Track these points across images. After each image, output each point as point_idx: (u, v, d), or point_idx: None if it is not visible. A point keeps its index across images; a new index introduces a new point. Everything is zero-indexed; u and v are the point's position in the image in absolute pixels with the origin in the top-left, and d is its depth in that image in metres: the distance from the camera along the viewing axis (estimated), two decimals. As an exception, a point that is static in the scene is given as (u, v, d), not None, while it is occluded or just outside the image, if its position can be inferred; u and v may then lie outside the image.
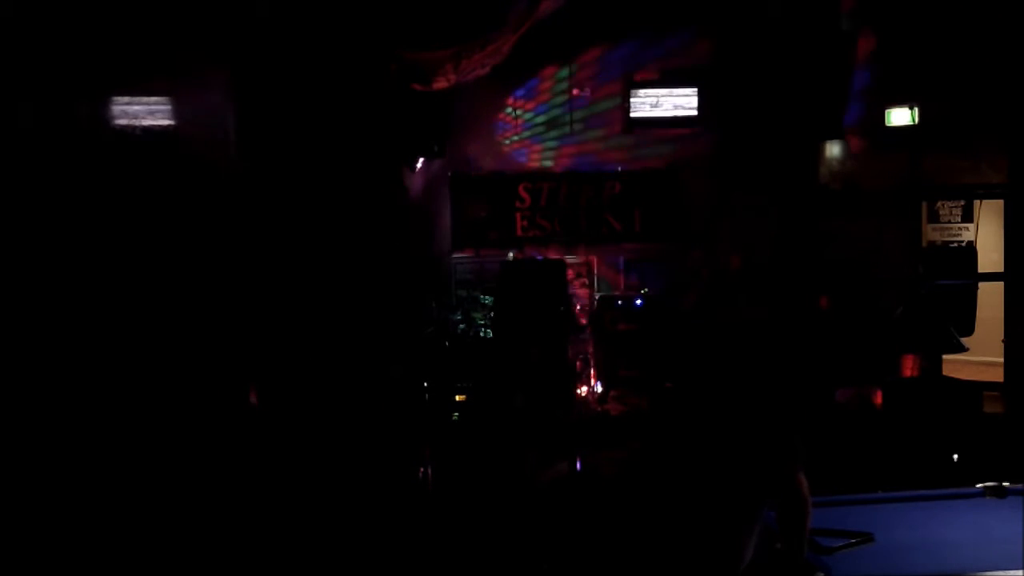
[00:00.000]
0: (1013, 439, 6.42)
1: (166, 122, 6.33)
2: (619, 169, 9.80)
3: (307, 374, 6.70)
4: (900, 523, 3.48)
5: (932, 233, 9.51)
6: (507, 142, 9.76)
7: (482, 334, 8.83)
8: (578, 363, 8.88)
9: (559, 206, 9.79)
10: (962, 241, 9.36)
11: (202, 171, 6.05)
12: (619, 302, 9.28)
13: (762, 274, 8.23)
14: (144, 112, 6.13)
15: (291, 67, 6.56)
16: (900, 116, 8.39)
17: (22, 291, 4.24)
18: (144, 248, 5.22)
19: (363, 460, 6.46)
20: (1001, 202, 8.22)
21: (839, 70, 8.63)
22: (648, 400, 8.28)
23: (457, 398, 8.16)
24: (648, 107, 9.52)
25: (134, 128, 5.93)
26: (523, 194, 9.77)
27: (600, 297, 9.53)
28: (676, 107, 9.51)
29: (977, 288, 8.34)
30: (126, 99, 5.92)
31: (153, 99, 6.28)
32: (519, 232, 9.76)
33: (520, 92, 9.71)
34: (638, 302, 9.21)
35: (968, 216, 9.39)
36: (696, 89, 9.43)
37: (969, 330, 7.83)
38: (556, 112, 9.77)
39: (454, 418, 8.06)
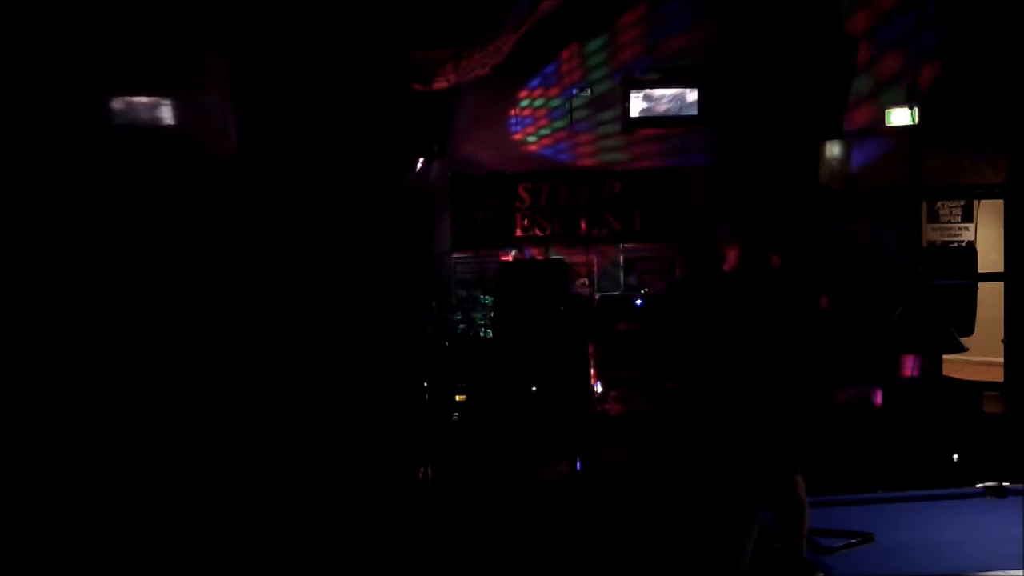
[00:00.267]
0: (1013, 439, 6.42)
1: (166, 121, 6.33)
2: (619, 169, 9.80)
3: (307, 373, 6.70)
4: (900, 523, 3.48)
5: (932, 233, 9.51)
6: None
7: (482, 334, 8.82)
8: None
9: (559, 206, 9.80)
10: (962, 241, 9.36)
11: (202, 170, 6.04)
12: (619, 302, 9.28)
13: (761, 274, 8.23)
14: (145, 111, 6.13)
15: (291, 67, 6.56)
16: (900, 116, 8.39)
17: (27, 282, 4.24)
18: (143, 246, 5.21)
19: (363, 460, 6.46)
20: (1001, 202, 8.22)
21: (839, 70, 8.63)
22: (648, 400, 8.28)
23: (457, 398, 8.16)
24: (648, 107, 9.52)
25: (134, 127, 5.93)
26: (523, 194, 9.77)
27: (600, 297, 9.53)
28: (676, 107, 9.51)
29: (977, 288, 8.34)
30: (127, 98, 5.92)
31: (154, 98, 6.28)
32: (519, 232, 9.76)
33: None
34: (638, 302, 9.21)
35: (968, 216, 9.39)
36: (696, 89, 9.43)
37: (969, 330, 7.84)
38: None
39: (454, 418, 8.06)
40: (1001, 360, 7.81)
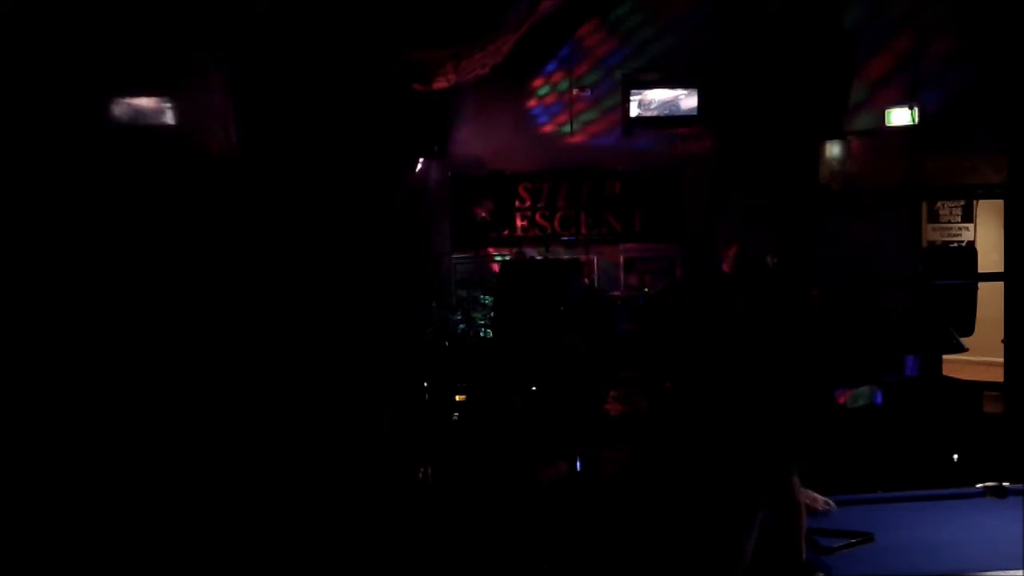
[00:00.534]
0: (1013, 439, 6.42)
1: (167, 121, 6.33)
2: (619, 169, 9.80)
3: (307, 373, 6.70)
4: (900, 523, 3.47)
5: (932, 233, 9.51)
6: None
7: (482, 334, 8.82)
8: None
9: (559, 206, 9.80)
10: (962, 241, 9.37)
11: (202, 170, 6.05)
12: (619, 302, 9.27)
13: (757, 274, 8.23)
14: (145, 111, 6.13)
15: (292, 67, 6.56)
16: (900, 116, 8.39)
17: (26, 280, 4.24)
18: (142, 246, 5.22)
19: (363, 460, 6.46)
20: (1001, 202, 8.22)
21: (840, 70, 8.63)
22: (648, 400, 8.28)
23: (457, 398, 8.16)
24: (648, 107, 9.52)
25: (134, 127, 5.93)
26: (523, 194, 9.77)
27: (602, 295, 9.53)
28: (676, 107, 9.51)
29: (977, 288, 8.33)
30: (127, 98, 5.92)
31: (154, 98, 6.28)
32: (519, 232, 9.77)
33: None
34: (638, 302, 9.21)
35: (968, 216, 9.40)
36: (696, 89, 9.43)
37: (969, 330, 7.83)
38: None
39: (454, 418, 8.06)
40: (1001, 360, 7.81)
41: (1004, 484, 3.77)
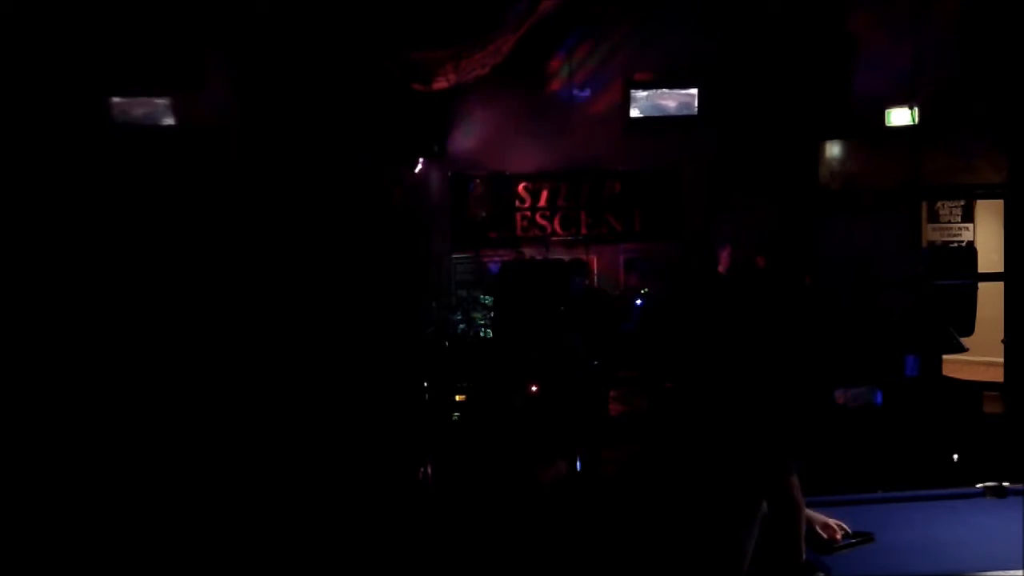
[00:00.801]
0: (1013, 439, 6.42)
1: (169, 120, 6.32)
2: (619, 169, 9.80)
3: (307, 373, 6.70)
4: (900, 523, 3.47)
5: (932, 233, 9.51)
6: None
7: (482, 334, 8.82)
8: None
9: (559, 206, 9.79)
10: (962, 241, 9.36)
11: (202, 169, 6.05)
12: (619, 302, 9.26)
13: (749, 275, 8.22)
14: (148, 111, 6.12)
15: (292, 68, 6.57)
16: (900, 116, 8.39)
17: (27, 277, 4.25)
18: (142, 245, 5.22)
19: (363, 459, 6.46)
20: (1001, 202, 8.21)
21: (840, 69, 8.62)
22: (648, 400, 8.27)
23: (457, 398, 8.15)
24: (648, 107, 9.51)
25: (136, 127, 5.92)
26: (523, 194, 9.77)
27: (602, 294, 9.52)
28: (676, 107, 9.51)
29: (977, 288, 8.33)
30: (129, 99, 5.91)
31: (156, 98, 6.28)
32: (519, 232, 9.76)
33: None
34: (638, 302, 9.20)
35: (968, 216, 9.39)
36: (696, 89, 9.43)
37: (969, 330, 7.83)
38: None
39: (454, 418, 8.06)
40: (1001, 360, 7.80)
41: (1004, 484, 3.77)
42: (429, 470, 6.81)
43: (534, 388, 8.08)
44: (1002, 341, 7.67)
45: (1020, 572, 2.95)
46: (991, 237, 8.77)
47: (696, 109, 9.44)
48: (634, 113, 9.49)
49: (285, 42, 6.39)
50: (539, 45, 8.93)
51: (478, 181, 9.73)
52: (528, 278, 8.86)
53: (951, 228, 9.46)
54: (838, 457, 5.23)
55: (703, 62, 9.37)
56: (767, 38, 8.79)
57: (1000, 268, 7.92)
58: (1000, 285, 7.85)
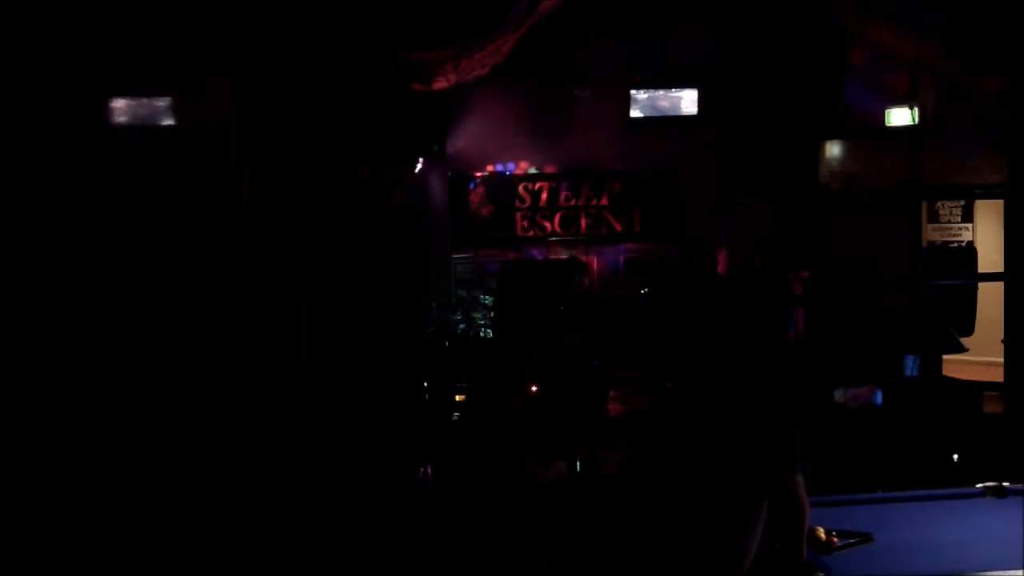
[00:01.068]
0: (1013, 439, 6.42)
1: (169, 119, 6.32)
2: (619, 169, 9.80)
3: (307, 373, 6.70)
4: (900, 523, 3.48)
5: (932, 233, 9.50)
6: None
7: (482, 334, 8.82)
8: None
9: (559, 206, 9.80)
10: (962, 241, 9.36)
11: (203, 170, 6.05)
12: (619, 302, 9.27)
13: (745, 276, 8.20)
14: (148, 112, 6.12)
15: (292, 67, 6.57)
16: (900, 116, 8.38)
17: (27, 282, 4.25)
18: (143, 246, 5.22)
19: (363, 459, 6.46)
20: (1001, 202, 8.21)
21: (839, 69, 8.62)
22: (648, 400, 8.27)
23: (457, 398, 8.15)
24: (648, 107, 9.51)
25: (138, 128, 5.91)
26: (523, 194, 9.77)
27: (600, 297, 9.52)
28: (676, 107, 9.50)
29: (977, 288, 8.33)
30: (132, 100, 5.91)
31: (158, 98, 6.27)
32: (519, 232, 9.76)
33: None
34: (638, 302, 9.19)
35: (968, 216, 9.39)
36: (696, 89, 9.42)
37: (969, 330, 7.83)
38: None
39: (454, 418, 8.06)
40: (1001, 360, 7.80)
41: (1004, 484, 3.77)
42: (429, 470, 6.81)
43: (534, 388, 8.09)
44: (1002, 341, 7.67)
45: (1020, 572, 2.96)
46: (991, 237, 8.77)
47: (696, 109, 9.44)
48: (634, 113, 9.49)
49: (285, 42, 6.39)
50: (539, 45, 8.92)
51: (478, 181, 9.73)
52: (528, 278, 8.86)
53: (951, 228, 9.46)
54: (838, 457, 5.24)
55: (703, 62, 9.36)
56: (767, 38, 8.79)
57: (1000, 268, 7.92)
58: (1000, 285, 7.85)
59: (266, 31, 6.26)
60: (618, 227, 9.83)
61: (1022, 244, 7.35)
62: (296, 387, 6.51)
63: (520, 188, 9.76)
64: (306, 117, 6.77)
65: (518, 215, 9.77)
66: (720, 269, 8.36)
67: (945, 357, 7.81)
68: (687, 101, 9.47)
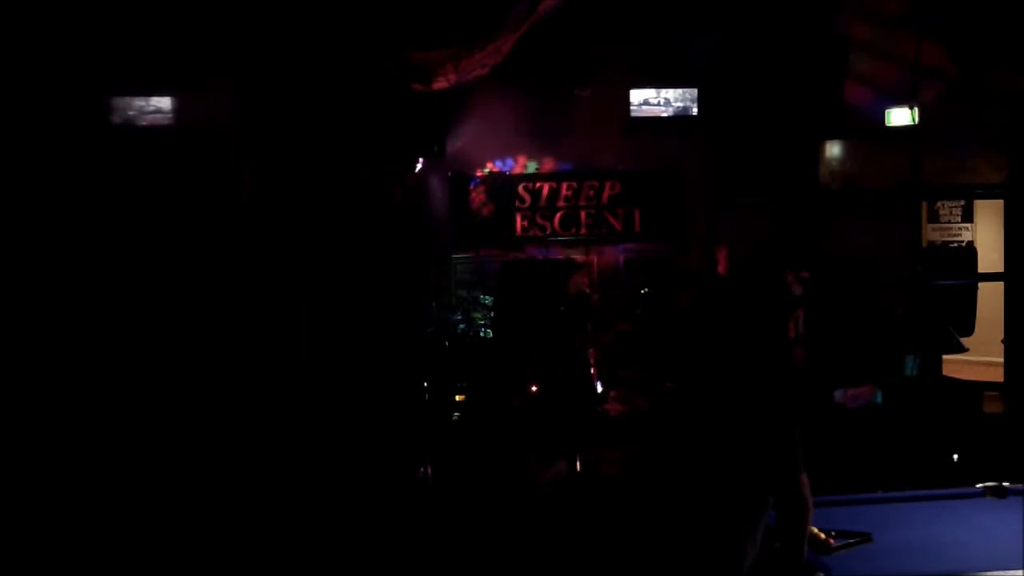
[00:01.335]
0: (1013, 439, 6.42)
1: (170, 119, 6.32)
2: (619, 169, 9.80)
3: (307, 373, 6.69)
4: (900, 523, 3.47)
5: (932, 233, 9.51)
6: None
7: (482, 334, 8.82)
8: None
9: (559, 206, 9.80)
10: (962, 241, 9.36)
11: (203, 170, 6.05)
12: (619, 302, 9.27)
13: (743, 275, 8.20)
14: (148, 112, 6.12)
15: (292, 67, 6.56)
16: (900, 116, 8.38)
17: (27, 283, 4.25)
18: (143, 245, 5.22)
19: (363, 459, 6.45)
20: (1001, 202, 8.21)
21: (839, 69, 8.62)
22: (648, 400, 8.27)
23: (457, 398, 8.15)
24: (648, 107, 9.51)
25: (137, 127, 5.92)
26: (523, 194, 9.77)
27: (600, 297, 9.52)
28: (676, 107, 9.51)
29: (977, 288, 8.33)
30: (131, 100, 5.91)
31: (159, 97, 6.27)
32: (519, 232, 9.76)
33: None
34: (638, 302, 9.20)
35: (968, 216, 9.39)
36: (696, 89, 9.43)
37: (969, 330, 7.83)
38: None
39: (454, 418, 8.06)
40: (1001, 360, 7.80)
41: (1004, 484, 3.77)
42: (429, 470, 6.81)
43: (534, 388, 8.09)
44: (1002, 341, 7.67)
45: (1020, 572, 2.95)
46: (991, 237, 8.77)
47: (696, 109, 9.44)
48: (634, 113, 9.49)
49: (285, 42, 6.39)
50: (539, 45, 8.92)
51: (478, 181, 9.73)
52: (528, 278, 8.86)
53: (951, 228, 9.46)
54: (838, 457, 5.24)
55: (703, 62, 9.36)
56: (767, 38, 8.79)
57: (1000, 268, 7.92)
58: (1000, 285, 7.85)
59: (266, 31, 6.26)
60: (618, 227, 9.83)
61: (1022, 244, 7.35)
62: (296, 387, 6.51)
63: (520, 188, 9.76)
64: (306, 117, 6.77)
65: (518, 215, 9.77)
66: (720, 269, 8.40)
67: (945, 357, 7.81)
68: (687, 101, 9.48)
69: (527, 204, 9.77)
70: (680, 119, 9.49)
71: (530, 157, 9.78)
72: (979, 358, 7.80)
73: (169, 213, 5.81)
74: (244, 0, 6.12)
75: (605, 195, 9.81)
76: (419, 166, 9.16)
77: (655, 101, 9.53)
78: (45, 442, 4.36)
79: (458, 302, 9.22)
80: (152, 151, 6.21)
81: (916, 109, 8.23)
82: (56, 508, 4.29)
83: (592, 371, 8.74)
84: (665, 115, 9.51)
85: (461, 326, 8.78)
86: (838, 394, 7.14)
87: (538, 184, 9.77)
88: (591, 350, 8.82)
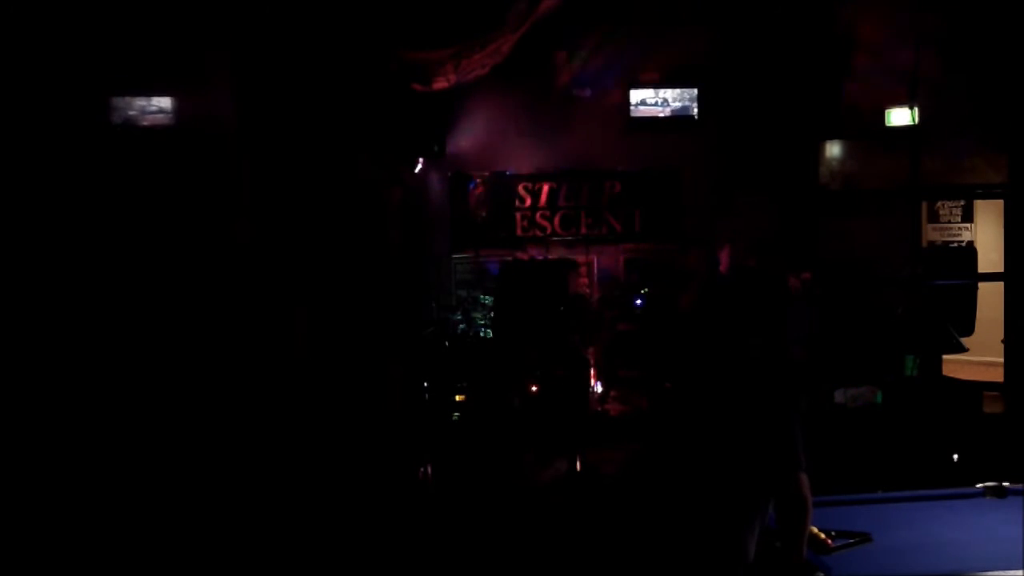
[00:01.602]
0: (1013, 439, 6.41)
1: (170, 119, 6.32)
2: (619, 169, 9.80)
3: (307, 373, 6.70)
4: (900, 523, 3.47)
5: (932, 233, 9.51)
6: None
7: (482, 334, 8.82)
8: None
9: (559, 206, 9.80)
10: (962, 241, 9.36)
11: (203, 170, 6.05)
12: (619, 302, 9.27)
13: (742, 274, 8.21)
14: (148, 112, 6.12)
15: (292, 68, 6.56)
16: (900, 116, 8.38)
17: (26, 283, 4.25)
18: (142, 245, 5.22)
19: (363, 459, 6.46)
20: (1001, 202, 8.21)
21: (839, 70, 8.62)
22: (648, 400, 8.28)
23: (457, 398, 8.15)
24: (648, 107, 9.52)
25: (137, 127, 5.92)
26: (523, 194, 9.77)
27: (600, 297, 9.53)
28: (676, 107, 9.51)
29: (977, 288, 8.34)
30: (130, 99, 5.91)
31: (159, 97, 6.27)
32: (519, 232, 9.76)
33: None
34: (638, 302, 9.20)
35: (968, 216, 9.39)
36: (696, 89, 9.43)
37: (969, 330, 7.83)
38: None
39: (454, 418, 8.06)
40: (1001, 360, 7.80)
41: (1004, 484, 3.77)
42: (429, 470, 6.81)
43: (534, 388, 8.09)
44: (1002, 341, 7.67)
45: (1020, 572, 2.95)
46: (991, 237, 8.77)
47: (696, 109, 9.45)
48: (634, 113, 9.50)
49: (286, 42, 6.39)
50: (539, 45, 8.92)
51: (478, 181, 9.73)
52: (528, 278, 8.86)
53: (951, 228, 9.46)
54: (838, 457, 5.24)
55: (703, 62, 9.36)
56: (766, 38, 8.79)
57: (1000, 268, 7.92)
58: (1000, 285, 7.85)
59: (267, 31, 6.26)
60: (618, 227, 9.83)
61: (1022, 244, 7.35)
62: (295, 387, 6.51)
63: (520, 188, 9.77)
64: (306, 117, 6.77)
65: (518, 215, 9.77)
66: (722, 267, 8.41)
67: (945, 357, 7.81)
68: (687, 101, 9.48)
69: (527, 204, 9.77)
70: (680, 119, 9.50)
71: (530, 157, 9.77)
72: (979, 358, 7.80)
73: (168, 212, 5.81)
74: (245, 0, 6.12)
75: (605, 195, 9.81)
76: (419, 166, 9.16)
77: (654, 101, 9.53)
78: (43, 440, 4.36)
79: (458, 302, 9.22)
80: (151, 151, 6.21)
81: (916, 109, 8.23)
82: (55, 506, 4.29)
83: (592, 371, 8.75)
84: (665, 115, 9.51)
85: (461, 326, 8.79)
86: (838, 394, 7.14)
87: (538, 184, 9.77)
88: (591, 350, 8.83)
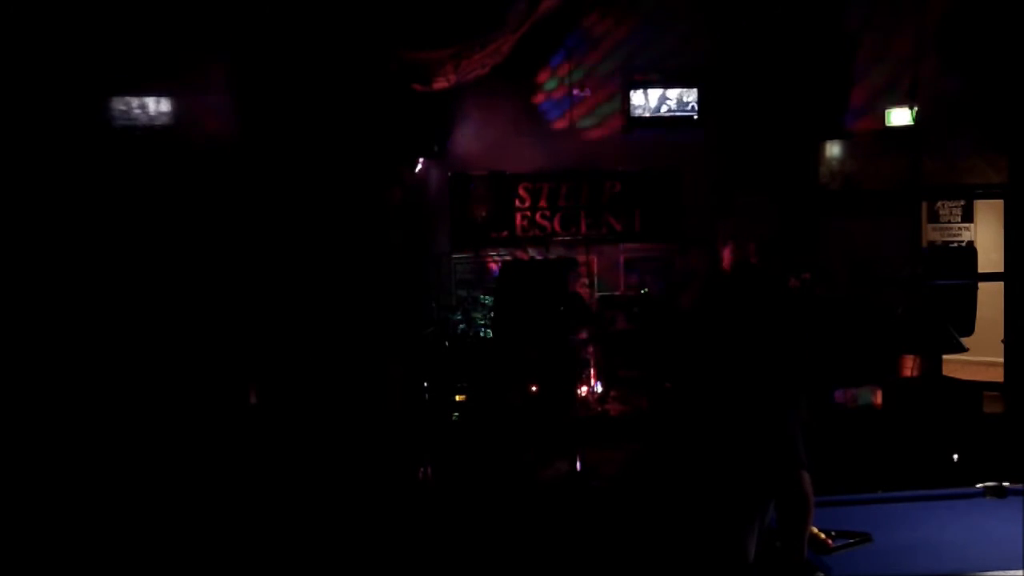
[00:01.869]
0: (1013, 439, 6.42)
1: (169, 120, 6.32)
2: (619, 169, 9.80)
3: (307, 373, 6.70)
4: (900, 523, 3.47)
5: (932, 233, 9.51)
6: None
7: (482, 334, 8.82)
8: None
9: (559, 206, 9.80)
10: (962, 241, 9.36)
11: (202, 169, 6.05)
12: (619, 302, 9.28)
13: (743, 274, 8.22)
14: (147, 112, 6.12)
15: (292, 68, 6.56)
16: (900, 116, 8.39)
17: (27, 284, 4.25)
18: (141, 245, 5.21)
19: (363, 460, 6.46)
20: (1001, 202, 8.22)
21: (840, 69, 8.63)
22: (648, 400, 8.28)
23: (457, 398, 8.16)
24: (648, 107, 9.52)
25: (135, 126, 5.92)
26: (523, 194, 9.77)
27: (600, 297, 9.53)
28: (676, 107, 9.51)
29: (977, 288, 8.34)
30: (130, 97, 5.91)
31: (159, 97, 6.27)
32: (519, 232, 9.76)
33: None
34: (638, 302, 9.20)
35: (968, 216, 9.39)
36: (696, 89, 9.43)
37: (969, 330, 7.83)
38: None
39: (454, 418, 8.06)
40: (1001, 360, 7.81)
41: (1004, 484, 3.77)
42: (429, 470, 6.81)
43: (534, 388, 8.10)
44: (1002, 341, 7.68)
45: (1020, 572, 2.95)
46: (991, 237, 8.77)
47: (696, 109, 9.45)
48: (634, 113, 9.50)
49: (285, 42, 6.39)
50: (539, 45, 8.92)
51: (478, 181, 9.73)
52: (528, 278, 8.86)
53: (951, 228, 9.46)
54: (838, 457, 5.24)
55: (703, 62, 9.37)
56: (766, 38, 8.80)
57: (1000, 268, 7.92)
58: (1000, 285, 7.86)
59: (266, 31, 6.26)
60: (618, 227, 9.83)
61: (1022, 244, 7.35)
62: (295, 387, 6.51)
63: (520, 188, 9.77)
64: (306, 117, 6.77)
65: (518, 215, 9.77)
66: (725, 265, 8.41)
67: (945, 357, 7.81)
68: (686, 101, 9.48)
69: (527, 204, 9.77)
70: (680, 119, 9.50)
71: (530, 157, 9.78)
72: (979, 358, 7.80)
73: (167, 213, 5.81)
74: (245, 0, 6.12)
75: (605, 195, 9.81)
76: (419, 166, 9.16)
77: (654, 101, 9.53)
78: (41, 441, 4.36)
79: (458, 302, 9.23)
80: (149, 150, 6.21)
81: (916, 109, 8.24)
82: (53, 504, 4.29)
83: (592, 371, 8.76)
84: (665, 115, 9.52)
85: (461, 326, 8.79)
86: (838, 394, 7.14)
87: (538, 184, 9.77)
88: (591, 350, 8.84)
